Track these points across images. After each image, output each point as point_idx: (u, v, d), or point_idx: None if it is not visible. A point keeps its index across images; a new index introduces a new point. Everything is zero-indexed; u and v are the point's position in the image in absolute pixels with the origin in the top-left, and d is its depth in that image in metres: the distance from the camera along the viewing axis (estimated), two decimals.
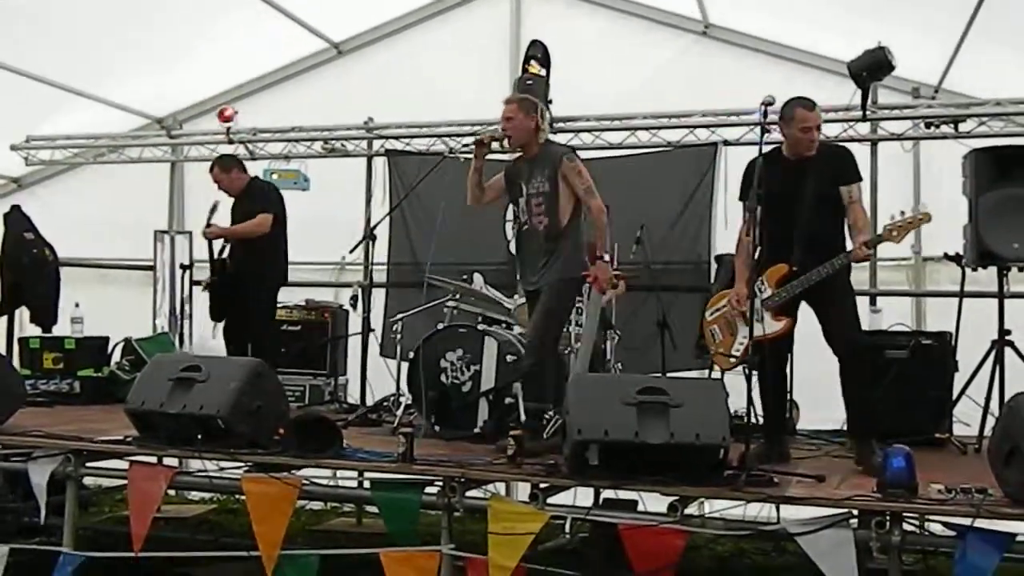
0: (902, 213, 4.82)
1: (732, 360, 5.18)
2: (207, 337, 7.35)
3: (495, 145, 5.66)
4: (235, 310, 7.09)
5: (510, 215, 5.79)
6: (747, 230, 4.92)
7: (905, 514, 3.87)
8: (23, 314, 7.78)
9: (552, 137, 7.62)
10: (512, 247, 6.03)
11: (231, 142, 8.37)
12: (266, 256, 7.01)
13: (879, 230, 4.99)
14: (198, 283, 7.25)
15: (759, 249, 4.78)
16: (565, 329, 5.96)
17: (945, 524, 3.92)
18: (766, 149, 4.87)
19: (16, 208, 7.91)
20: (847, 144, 5.74)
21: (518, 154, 5.57)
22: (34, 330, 7.71)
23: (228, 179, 7.15)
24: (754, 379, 4.64)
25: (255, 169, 8.12)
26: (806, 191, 4.89)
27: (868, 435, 4.91)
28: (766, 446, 5.04)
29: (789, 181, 4.91)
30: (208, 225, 6.98)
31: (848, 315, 4.95)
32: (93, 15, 7.35)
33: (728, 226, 7.06)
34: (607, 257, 5.36)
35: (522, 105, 5.48)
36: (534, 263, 5.44)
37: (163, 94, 8.88)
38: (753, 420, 4.89)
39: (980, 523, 3.70)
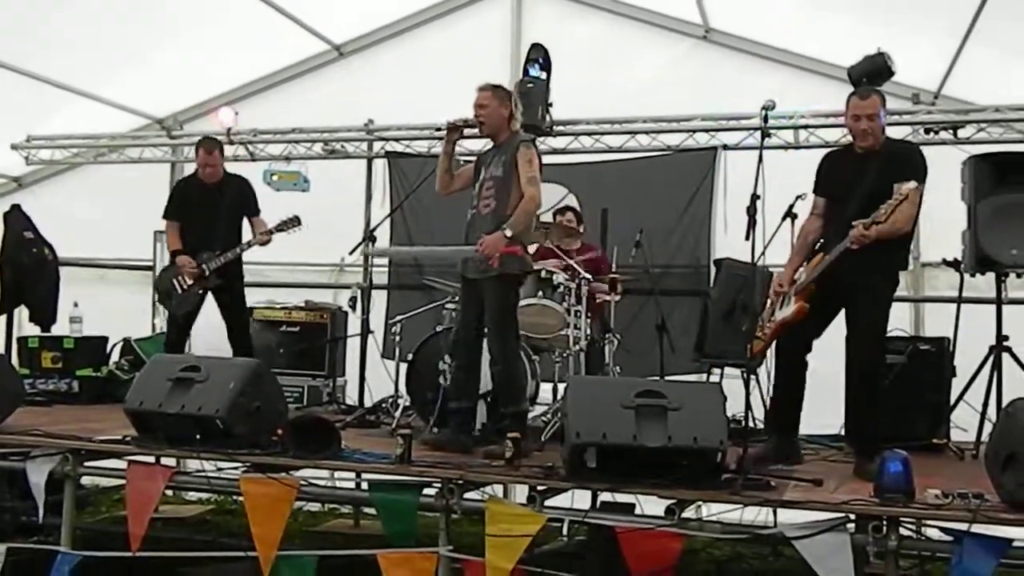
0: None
1: (760, 341, 5.16)
2: (209, 338, 7.29)
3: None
4: (191, 319, 6.91)
5: None
6: (812, 220, 5.10)
7: (902, 519, 3.89)
8: (22, 313, 7.79)
9: (552, 141, 7.71)
10: None
11: (232, 143, 8.37)
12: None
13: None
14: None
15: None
16: (565, 332, 5.99)
17: (942, 529, 3.91)
18: (774, 153, 4.89)
19: (16, 207, 7.92)
20: None
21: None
22: (33, 329, 7.72)
23: (221, 165, 7.01)
24: (752, 383, 4.64)
25: (256, 169, 8.14)
26: (863, 185, 4.85)
27: (868, 448, 4.83)
28: (769, 444, 5.03)
29: (852, 174, 4.93)
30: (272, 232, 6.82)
31: (869, 328, 4.85)
32: (94, 15, 7.36)
33: (728, 230, 7.09)
34: (509, 233, 5.19)
35: (496, 93, 5.49)
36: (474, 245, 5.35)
37: (164, 94, 8.88)
38: (752, 424, 4.89)
39: (977, 528, 3.71)
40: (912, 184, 4.63)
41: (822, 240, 5.06)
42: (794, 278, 5.06)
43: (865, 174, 4.87)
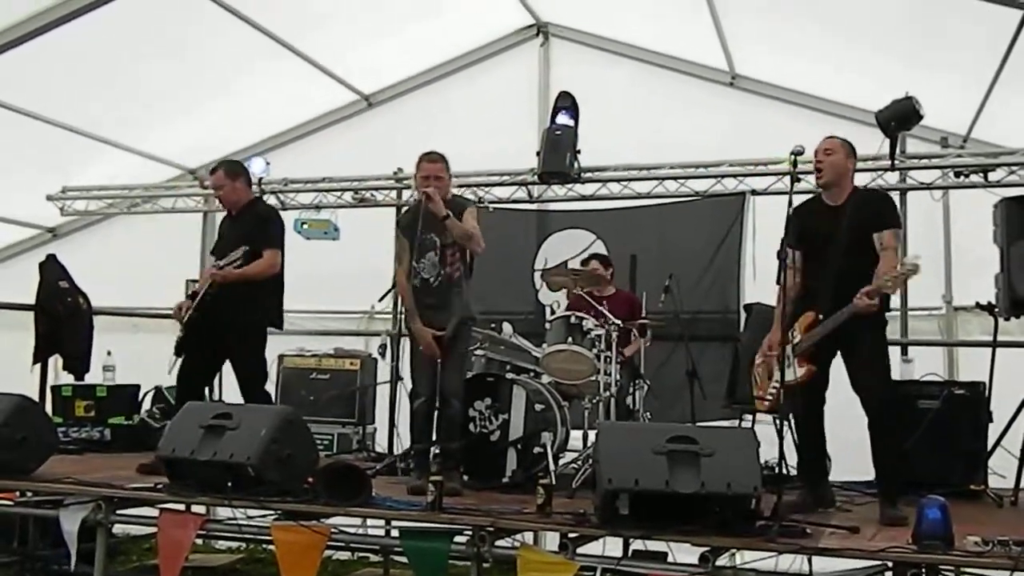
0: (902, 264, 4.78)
1: (765, 403, 5.17)
2: None
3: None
4: (204, 353, 6.22)
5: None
6: (788, 274, 4.98)
7: (941, 567, 3.83)
8: (56, 362, 7.85)
9: (580, 187, 7.77)
10: (428, 288, 5.65)
11: (263, 192, 8.47)
12: (263, 298, 6.09)
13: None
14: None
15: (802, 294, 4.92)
16: (594, 378, 5.97)
17: None
18: (803, 198, 4.88)
19: (51, 257, 8.01)
20: None
21: (405, 209, 5.68)
22: (67, 378, 7.78)
23: (231, 188, 6.22)
24: (785, 429, 4.60)
25: (286, 218, 8.15)
26: (840, 236, 4.86)
27: (892, 493, 4.84)
28: (803, 494, 5.02)
29: (827, 225, 4.93)
30: (220, 267, 5.92)
31: (877, 373, 4.86)
32: (127, 67, 7.50)
33: (756, 276, 7.07)
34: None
35: (445, 163, 5.64)
36: (447, 308, 5.55)
37: (196, 145, 9.01)
38: (785, 470, 4.83)
39: None
40: (889, 232, 4.82)
41: (804, 294, 5.02)
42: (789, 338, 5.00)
43: (840, 226, 4.88)
